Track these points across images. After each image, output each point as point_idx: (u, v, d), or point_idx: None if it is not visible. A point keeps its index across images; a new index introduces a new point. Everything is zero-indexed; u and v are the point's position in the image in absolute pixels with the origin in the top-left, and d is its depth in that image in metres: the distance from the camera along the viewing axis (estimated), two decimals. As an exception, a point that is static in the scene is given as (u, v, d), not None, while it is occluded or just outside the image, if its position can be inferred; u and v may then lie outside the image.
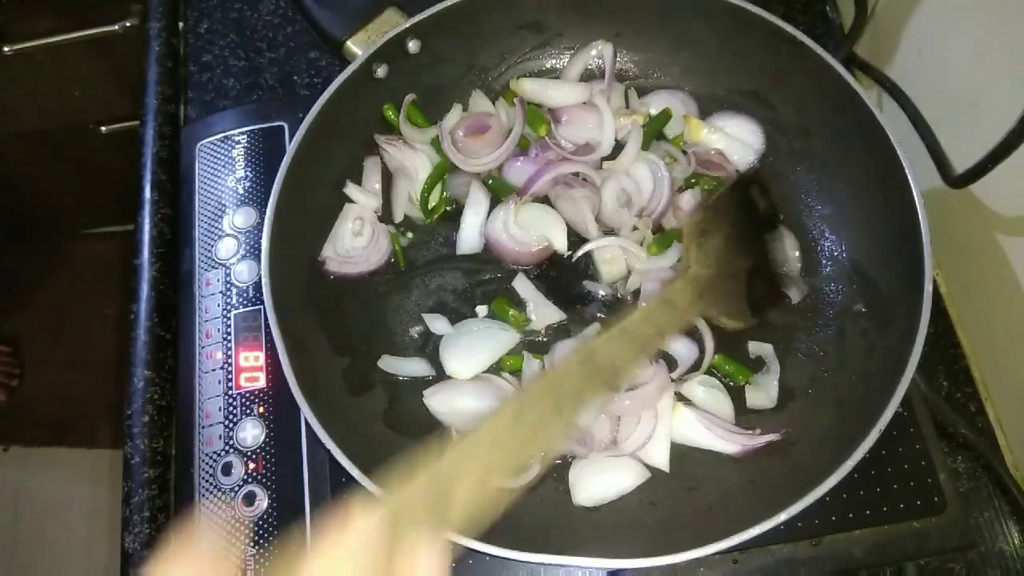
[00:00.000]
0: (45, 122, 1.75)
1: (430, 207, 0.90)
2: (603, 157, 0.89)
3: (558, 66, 0.97)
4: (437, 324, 0.84)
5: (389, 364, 0.83)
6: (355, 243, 0.87)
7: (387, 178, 0.92)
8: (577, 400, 0.55)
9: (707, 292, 0.69)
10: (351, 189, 0.88)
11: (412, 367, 0.83)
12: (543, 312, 0.84)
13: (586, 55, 0.95)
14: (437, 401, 0.80)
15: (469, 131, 0.88)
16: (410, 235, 0.90)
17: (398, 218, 0.91)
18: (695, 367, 0.81)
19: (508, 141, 0.88)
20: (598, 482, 0.76)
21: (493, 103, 0.94)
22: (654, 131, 0.91)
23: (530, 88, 0.93)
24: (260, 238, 0.77)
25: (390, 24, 0.88)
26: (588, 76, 0.96)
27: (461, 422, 0.79)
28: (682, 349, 0.81)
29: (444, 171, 0.90)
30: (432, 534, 0.42)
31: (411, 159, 0.89)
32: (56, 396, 2.29)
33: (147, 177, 0.97)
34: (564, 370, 0.57)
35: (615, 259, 0.86)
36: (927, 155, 0.83)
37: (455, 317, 0.85)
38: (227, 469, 0.80)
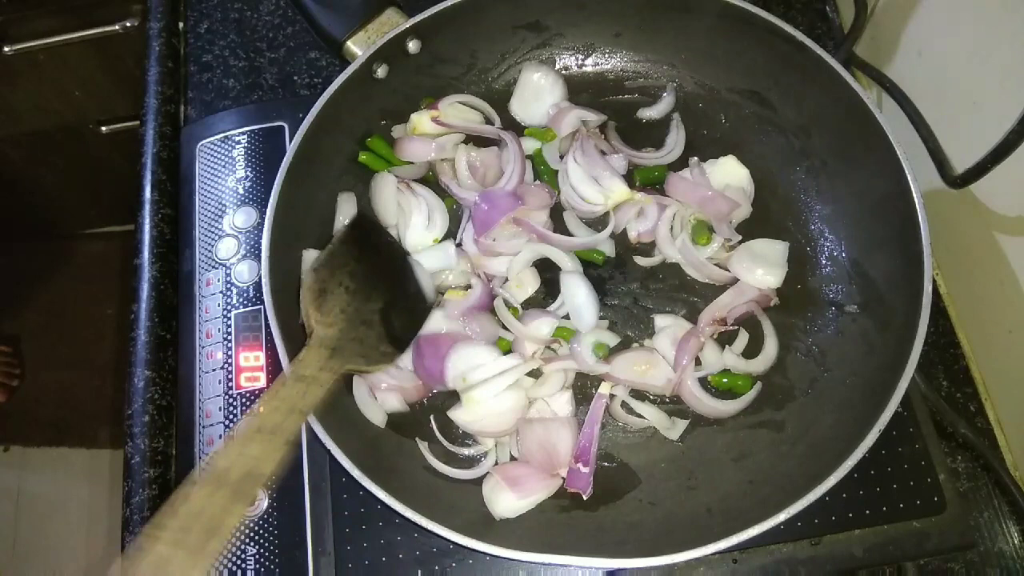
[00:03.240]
0: (45, 122, 1.75)
1: None
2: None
3: (558, 66, 0.97)
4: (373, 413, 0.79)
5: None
6: None
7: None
8: (219, 529, 0.53)
9: (338, 350, 0.68)
10: (343, 200, 0.87)
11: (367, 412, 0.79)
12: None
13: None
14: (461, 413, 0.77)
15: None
16: None
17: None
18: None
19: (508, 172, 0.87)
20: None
21: (491, 103, 0.94)
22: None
23: None
24: (260, 238, 0.77)
25: (390, 24, 0.88)
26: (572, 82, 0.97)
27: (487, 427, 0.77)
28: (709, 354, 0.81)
29: None
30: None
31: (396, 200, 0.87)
32: (56, 396, 2.30)
33: (147, 177, 0.97)
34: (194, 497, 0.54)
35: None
36: (927, 155, 0.83)
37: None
38: (227, 469, 0.80)
